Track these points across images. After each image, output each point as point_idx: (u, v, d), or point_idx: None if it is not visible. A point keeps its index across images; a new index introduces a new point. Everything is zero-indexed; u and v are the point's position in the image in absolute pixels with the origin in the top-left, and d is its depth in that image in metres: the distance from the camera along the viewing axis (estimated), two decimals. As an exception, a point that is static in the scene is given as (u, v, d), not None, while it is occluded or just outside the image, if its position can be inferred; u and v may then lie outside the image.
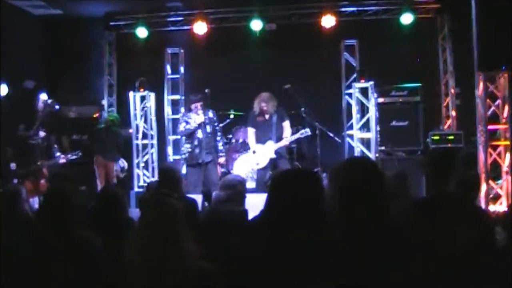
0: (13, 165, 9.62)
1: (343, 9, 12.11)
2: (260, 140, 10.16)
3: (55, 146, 10.42)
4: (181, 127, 9.95)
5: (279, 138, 10.10)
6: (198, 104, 9.77)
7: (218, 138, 10.14)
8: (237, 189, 5.68)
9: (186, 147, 9.98)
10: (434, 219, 2.81)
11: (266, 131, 10.11)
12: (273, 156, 10.04)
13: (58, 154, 10.28)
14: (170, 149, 13.21)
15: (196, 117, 9.75)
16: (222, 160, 10.28)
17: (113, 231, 4.47)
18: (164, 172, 6.06)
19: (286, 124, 10.21)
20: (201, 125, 9.77)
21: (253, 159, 10.28)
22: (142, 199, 6.75)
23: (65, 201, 4.02)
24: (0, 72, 10.70)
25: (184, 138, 10.07)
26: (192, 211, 5.68)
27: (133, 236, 3.55)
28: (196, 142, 9.83)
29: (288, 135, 10.13)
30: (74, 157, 10.38)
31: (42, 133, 10.15)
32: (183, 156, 10.14)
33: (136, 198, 11.12)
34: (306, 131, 10.22)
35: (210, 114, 10.01)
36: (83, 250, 3.91)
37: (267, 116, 10.10)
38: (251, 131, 10.36)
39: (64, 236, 3.91)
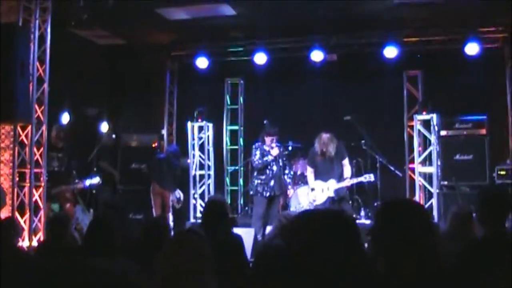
0: None
1: (406, 39, 11.84)
2: (322, 178, 10.07)
3: (74, 172, 10.46)
4: (256, 158, 9.98)
5: (339, 176, 10.02)
6: (275, 138, 9.90)
7: (286, 171, 10.32)
8: (280, 223, 5.56)
9: (259, 178, 9.99)
10: (485, 263, 2.61)
11: (327, 170, 10.02)
12: (332, 195, 9.95)
13: (76, 180, 10.30)
14: (227, 180, 13.12)
15: (272, 150, 9.87)
16: (290, 192, 10.60)
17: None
18: (209, 204, 5.91)
19: (346, 162, 10.13)
20: (276, 158, 9.90)
21: (312, 194, 10.16)
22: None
23: (107, 232, 3.96)
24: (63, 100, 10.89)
25: (255, 171, 10.14)
26: (238, 247, 5.52)
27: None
28: (271, 175, 9.94)
29: (348, 174, 10.06)
30: (93, 183, 10.40)
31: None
32: (255, 188, 10.03)
33: (192, 229, 11.04)
34: (370, 177, 10.06)
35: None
36: (121, 281, 3.83)
37: (326, 156, 9.98)
38: (309, 170, 10.30)
39: (104, 266, 3.85)
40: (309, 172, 10.30)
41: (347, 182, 10.01)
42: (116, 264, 3.91)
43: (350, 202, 10.73)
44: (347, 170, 10.14)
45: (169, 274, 3.10)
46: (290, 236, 2.92)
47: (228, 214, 5.77)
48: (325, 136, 9.93)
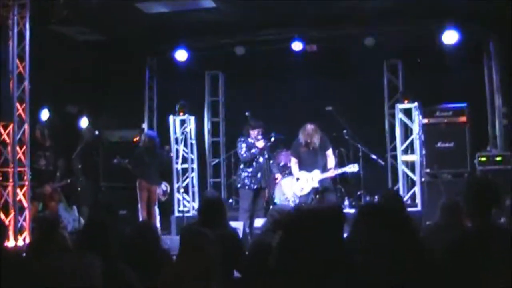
0: None
1: (385, 29, 11.87)
2: (306, 169, 10.16)
3: (58, 170, 10.43)
4: (243, 151, 10.06)
5: (324, 167, 10.13)
6: (260, 130, 10.00)
7: (271, 161, 10.51)
8: (273, 218, 5.60)
9: (246, 171, 10.07)
10: (473, 256, 2.64)
11: (311, 161, 10.12)
12: (316, 185, 10.05)
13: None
14: (210, 173, 13.12)
15: (258, 142, 9.95)
16: (278, 177, 10.66)
17: (147, 264, 4.38)
18: (207, 202, 5.91)
19: (330, 153, 10.25)
20: (262, 150, 10.01)
21: (297, 185, 10.23)
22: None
23: (104, 234, 3.95)
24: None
25: (242, 163, 10.19)
26: (235, 242, 5.55)
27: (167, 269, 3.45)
28: (258, 167, 10.04)
29: (332, 165, 10.19)
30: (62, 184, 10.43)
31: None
32: (242, 181, 10.13)
33: (177, 223, 11.04)
34: (354, 167, 10.22)
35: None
36: (118, 282, 3.83)
37: (311, 147, 10.04)
38: (293, 161, 10.38)
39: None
40: (293, 163, 10.38)
41: (331, 173, 10.11)
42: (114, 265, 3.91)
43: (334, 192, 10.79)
44: (331, 160, 10.25)
45: (177, 277, 3.11)
46: (286, 232, 2.96)
47: (225, 211, 5.80)
48: (309, 127, 9.98)
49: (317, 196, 10.14)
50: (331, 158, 10.24)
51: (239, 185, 10.27)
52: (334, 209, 3.06)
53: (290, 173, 10.62)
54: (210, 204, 5.72)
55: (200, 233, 3.50)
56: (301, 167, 10.21)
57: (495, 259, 3.24)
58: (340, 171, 10.23)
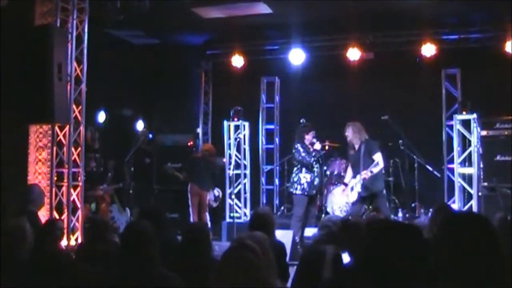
0: None
1: (445, 37, 11.63)
2: (353, 173, 9.81)
3: (109, 172, 10.52)
4: (303, 154, 9.63)
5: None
6: (315, 132, 9.74)
7: (325, 169, 10.29)
8: (330, 229, 5.47)
9: (305, 177, 9.63)
10: None
11: (356, 164, 9.68)
12: (359, 190, 9.55)
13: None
14: (263, 179, 13.07)
15: (315, 145, 9.67)
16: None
17: (196, 271, 4.34)
18: (258, 216, 5.87)
19: (377, 157, 9.55)
20: (319, 153, 9.73)
21: (343, 195, 10.00)
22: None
23: (143, 240, 3.93)
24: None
25: (304, 168, 9.69)
26: (281, 256, 5.48)
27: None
28: (316, 173, 9.69)
29: (375, 170, 9.44)
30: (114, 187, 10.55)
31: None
32: (301, 186, 9.64)
33: (228, 229, 11.03)
34: (376, 164, 9.47)
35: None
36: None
37: (356, 147, 9.69)
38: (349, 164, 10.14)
39: (142, 273, 3.84)
40: (349, 168, 10.13)
41: (364, 174, 9.43)
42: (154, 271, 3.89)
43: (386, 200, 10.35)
44: (378, 164, 9.58)
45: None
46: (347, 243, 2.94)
47: (273, 228, 5.73)
48: (348, 123, 9.77)
49: (370, 206, 9.81)
50: (379, 162, 9.55)
51: (295, 191, 9.71)
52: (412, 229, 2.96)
53: (342, 182, 10.36)
54: (258, 220, 5.68)
55: (242, 242, 3.42)
56: (353, 172, 9.84)
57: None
58: (368, 173, 9.40)
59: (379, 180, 9.69)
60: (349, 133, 9.65)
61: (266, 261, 3.40)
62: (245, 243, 3.32)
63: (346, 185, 9.90)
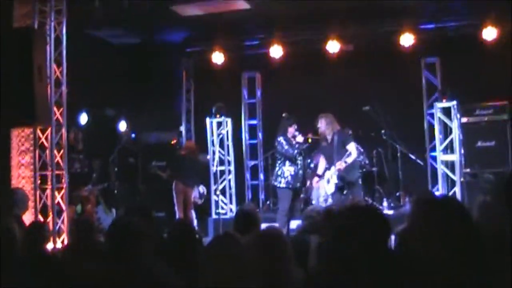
0: None
1: (422, 27, 11.71)
2: (328, 164, 9.83)
3: (94, 173, 10.53)
4: (286, 147, 9.58)
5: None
6: (296, 125, 9.72)
7: (309, 161, 10.37)
8: (314, 220, 5.53)
9: (289, 170, 9.61)
10: None
11: (329, 155, 9.71)
12: (336, 181, 9.60)
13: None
14: (248, 175, 13.10)
15: (297, 137, 9.64)
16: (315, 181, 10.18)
17: (185, 266, 4.37)
18: (243, 213, 5.89)
19: (350, 147, 9.56)
20: (302, 146, 9.71)
21: (321, 184, 10.00)
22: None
23: (132, 236, 3.94)
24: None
25: (287, 161, 9.66)
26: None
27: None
28: (300, 165, 9.69)
29: (348, 160, 9.45)
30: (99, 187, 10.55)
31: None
32: (285, 179, 9.62)
33: (214, 226, 11.06)
34: (349, 154, 9.49)
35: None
36: (150, 284, 3.83)
37: (329, 139, 9.70)
38: (321, 157, 10.16)
39: (132, 269, 3.85)
40: (321, 160, 10.16)
41: (338, 165, 9.44)
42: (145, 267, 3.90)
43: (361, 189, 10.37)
44: (350, 155, 9.54)
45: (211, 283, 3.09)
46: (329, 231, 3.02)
47: (259, 224, 5.76)
48: (320, 115, 9.76)
49: (345, 192, 9.82)
50: (351, 152, 9.52)
51: (280, 184, 9.68)
52: (375, 210, 3.04)
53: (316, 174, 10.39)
54: (242, 217, 5.71)
55: (227, 235, 3.47)
56: (327, 163, 9.86)
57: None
58: (343, 164, 9.40)
59: (354, 169, 9.77)
60: (322, 124, 9.68)
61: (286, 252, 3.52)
62: (228, 232, 3.37)
63: (319, 176, 9.91)
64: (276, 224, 8.91)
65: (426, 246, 2.60)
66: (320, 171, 10.00)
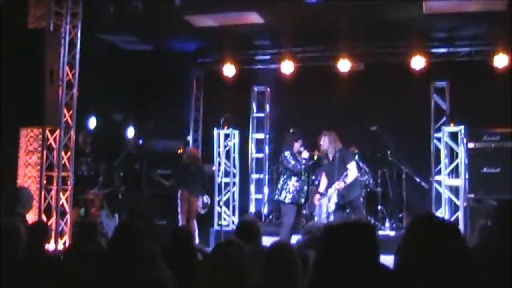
0: None
1: (434, 50, 11.76)
2: (329, 183, 9.75)
3: (101, 177, 10.56)
4: (293, 162, 9.56)
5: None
6: (301, 141, 9.71)
7: (313, 178, 10.34)
8: (314, 235, 5.55)
9: (294, 185, 9.58)
10: None
11: (332, 173, 9.63)
12: (336, 200, 9.52)
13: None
14: (252, 188, 13.11)
15: (303, 153, 9.63)
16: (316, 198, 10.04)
17: (183, 272, 4.40)
18: (244, 224, 5.93)
19: (350, 166, 9.50)
20: (308, 161, 9.70)
21: (323, 202, 9.97)
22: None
23: (133, 238, 3.97)
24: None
25: (293, 176, 9.63)
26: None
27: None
28: (305, 181, 9.71)
29: (347, 180, 9.37)
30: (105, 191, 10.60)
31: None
32: (291, 194, 9.57)
33: (216, 237, 11.06)
34: (346, 175, 9.38)
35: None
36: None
37: (331, 157, 9.66)
38: (323, 175, 10.11)
39: (131, 273, 3.88)
40: (322, 177, 10.11)
41: (336, 185, 9.39)
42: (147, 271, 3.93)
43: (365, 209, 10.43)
44: (349, 175, 9.46)
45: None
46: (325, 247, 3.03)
47: (259, 235, 5.78)
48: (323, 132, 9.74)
49: (347, 210, 9.79)
50: (351, 172, 9.46)
51: (285, 200, 9.61)
52: (364, 226, 3.07)
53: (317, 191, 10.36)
54: (246, 226, 5.74)
55: (230, 242, 3.49)
56: (328, 181, 9.80)
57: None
58: (341, 183, 9.33)
59: (354, 188, 9.68)
60: (325, 142, 9.66)
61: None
62: (231, 240, 3.39)
63: (320, 194, 9.89)
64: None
65: (417, 263, 2.63)
66: (321, 188, 9.96)
